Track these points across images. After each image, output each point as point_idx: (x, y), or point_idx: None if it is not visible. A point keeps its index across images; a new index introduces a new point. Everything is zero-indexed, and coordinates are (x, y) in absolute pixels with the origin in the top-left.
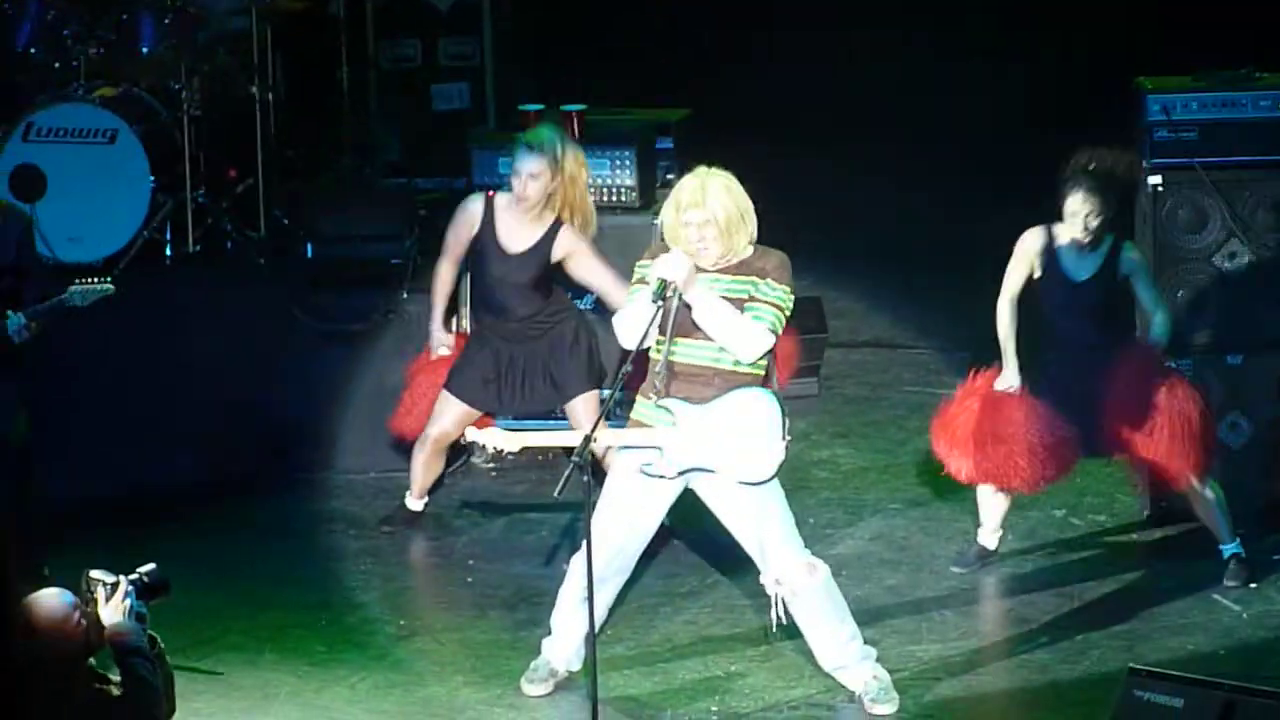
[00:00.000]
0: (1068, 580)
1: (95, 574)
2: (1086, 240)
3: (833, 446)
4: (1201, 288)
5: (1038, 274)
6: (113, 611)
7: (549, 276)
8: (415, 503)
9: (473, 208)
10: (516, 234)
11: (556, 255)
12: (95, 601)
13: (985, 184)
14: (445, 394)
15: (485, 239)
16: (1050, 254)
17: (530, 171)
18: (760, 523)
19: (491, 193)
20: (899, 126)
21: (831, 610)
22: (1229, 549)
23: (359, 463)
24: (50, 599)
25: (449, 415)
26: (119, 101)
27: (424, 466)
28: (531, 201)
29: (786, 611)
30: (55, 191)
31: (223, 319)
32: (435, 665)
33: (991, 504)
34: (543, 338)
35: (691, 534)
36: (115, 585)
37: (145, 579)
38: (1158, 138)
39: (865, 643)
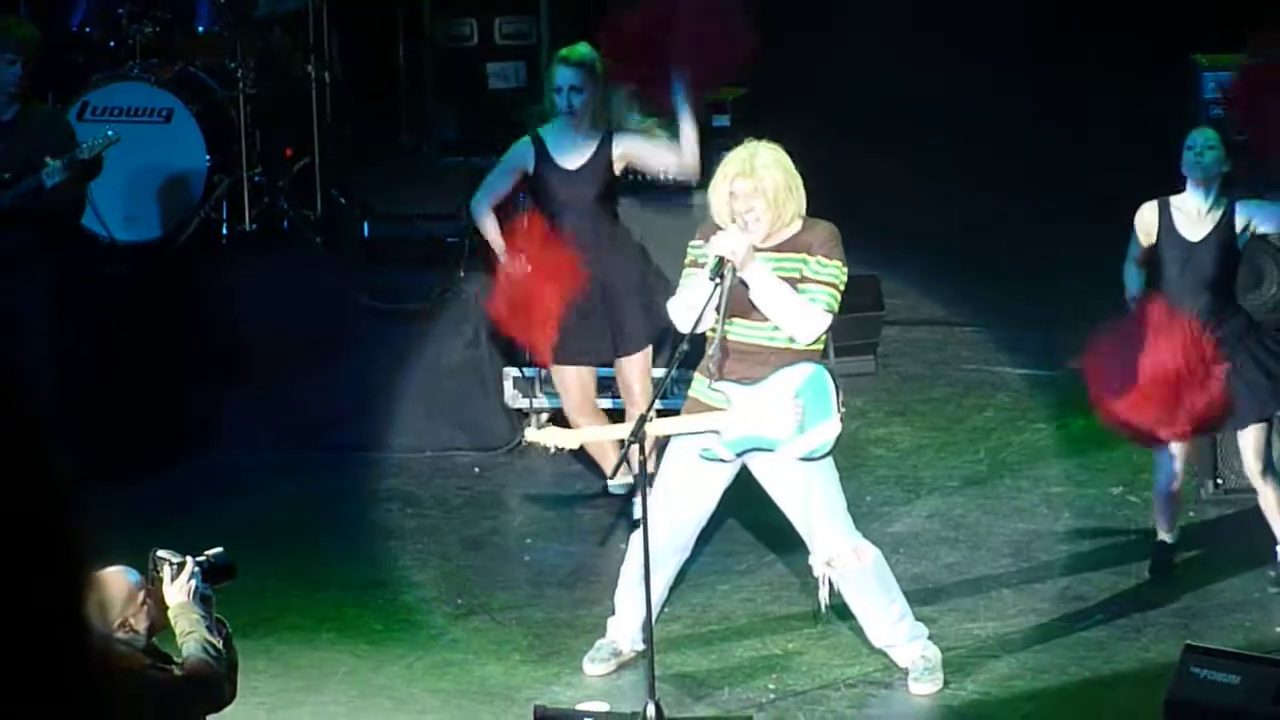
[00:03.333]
0: (1124, 558)
1: (162, 553)
2: (1201, 181)
3: (890, 424)
4: (1257, 264)
5: (1154, 240)
6: (178, 592)
7: (613, 196)
8: (613, 484)
9: (521, 149)
10: (571, 153)
11: (618, 161)
12: (160, 581)
13: (1043, 162)
14: (555, 368)
15: (543, 169)
16: (1166, 219)
17: (571, 85)
18: (811, 502)
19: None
20: (956, 104)
21: (880, 592)
22: None
23: (415, 441)
24: (116, 576)
25: (569, 386)
26: (174, 80)
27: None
28: (579, 115)
29: (837, 590)
30: (111, 170)
31: (279, 298)
32: (492, 644)
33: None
34: (608, 271)
35: (748, 512)
36: (181, 565)
37: (212, 561)
38: (1213, 115)
39: (920, 620)
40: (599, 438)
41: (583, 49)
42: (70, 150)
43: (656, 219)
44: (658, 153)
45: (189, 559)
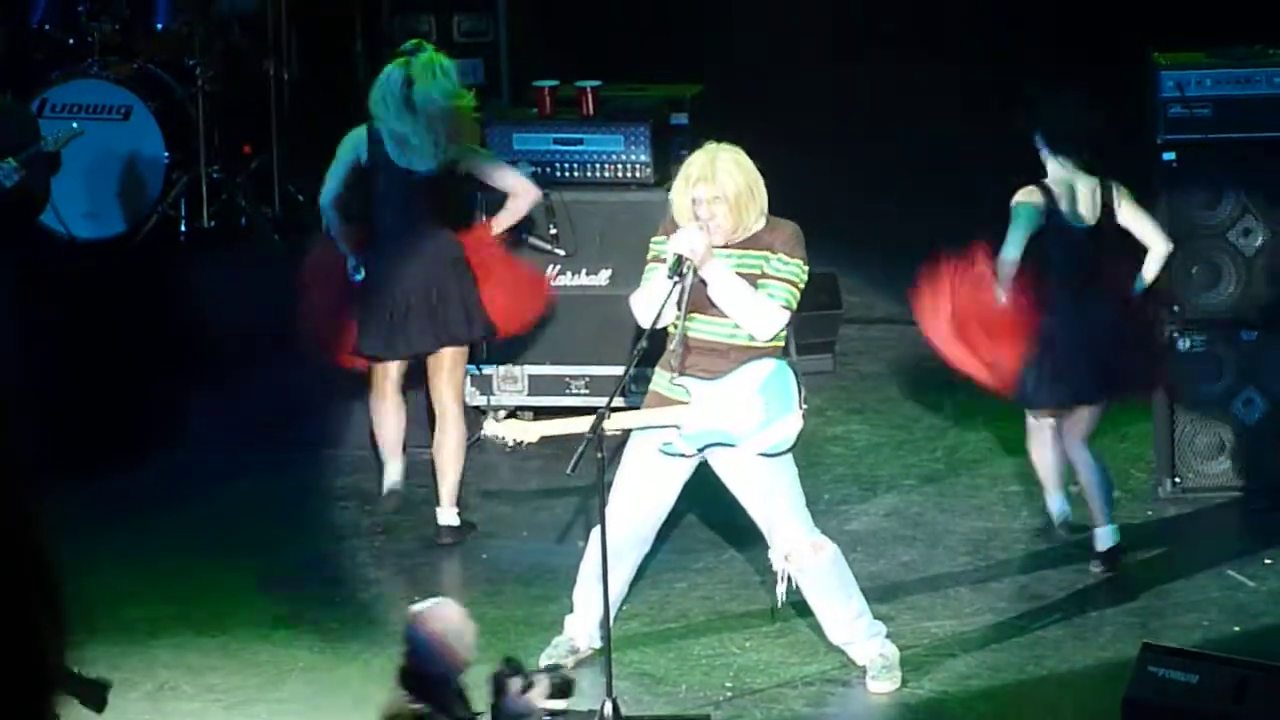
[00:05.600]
0: (1082, 557)
1: (510, 665)
2: None
3: (847, 423)
4: (1215, 264)
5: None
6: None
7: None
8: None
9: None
10: None
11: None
12: (506, 689)
13: (1000, 156)
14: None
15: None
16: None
17: None
18: (770, 497)
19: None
20: (915, 100)
21: (838, 588)
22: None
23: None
24: (455, 609)
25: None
26: (134, 78)
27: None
28: None
29: (796, 587)
30: (70, 167)
31: (237, 295)
32: None
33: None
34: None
35: (706, 510)
36: (530, 684)
37: (561, 681)
38: (1172, 114)
39: (877, 618)
40: (560, 430)
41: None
42: (34, 143)
43: (619, 215)
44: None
45: (540, 676)
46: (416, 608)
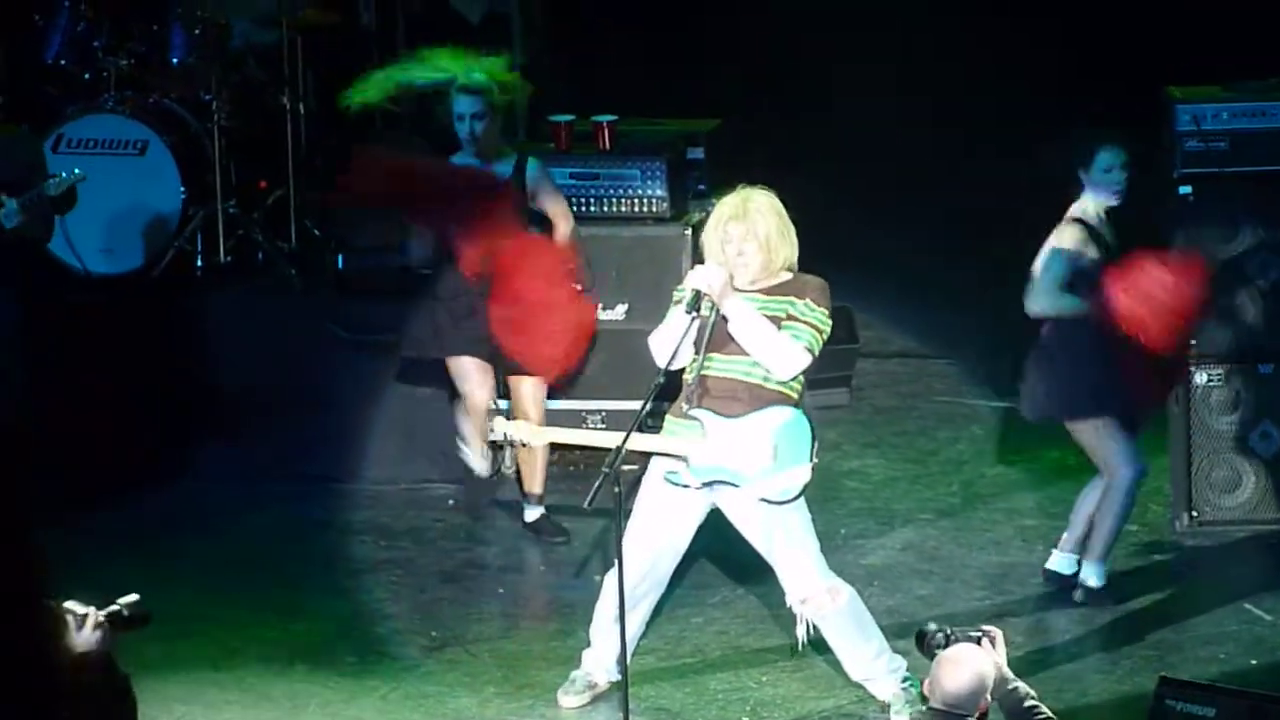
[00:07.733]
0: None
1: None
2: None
3: (863, 457)
4: (1232, 297)
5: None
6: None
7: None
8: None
9: None
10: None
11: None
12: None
13: (1017, 194)
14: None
15: None
16: None
17: (472, 113)
18: (783, 543)
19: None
20: (931, 135)
21: (856, 629)
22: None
23: (389, 474)
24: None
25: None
26: (149, 112)
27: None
28: (482, 142)
29: (814, 627)
30: (86, 203)
31: (253, 329)
32: (466, 676)
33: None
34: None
35: (721, 545)
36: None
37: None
38: (1188, 148)
39: (896, 653)
40: (568, 439)
41: (481, 77)
42: (39, 181)
43: (636, 249)
44: (556, 209)
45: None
46: (948, 652)
